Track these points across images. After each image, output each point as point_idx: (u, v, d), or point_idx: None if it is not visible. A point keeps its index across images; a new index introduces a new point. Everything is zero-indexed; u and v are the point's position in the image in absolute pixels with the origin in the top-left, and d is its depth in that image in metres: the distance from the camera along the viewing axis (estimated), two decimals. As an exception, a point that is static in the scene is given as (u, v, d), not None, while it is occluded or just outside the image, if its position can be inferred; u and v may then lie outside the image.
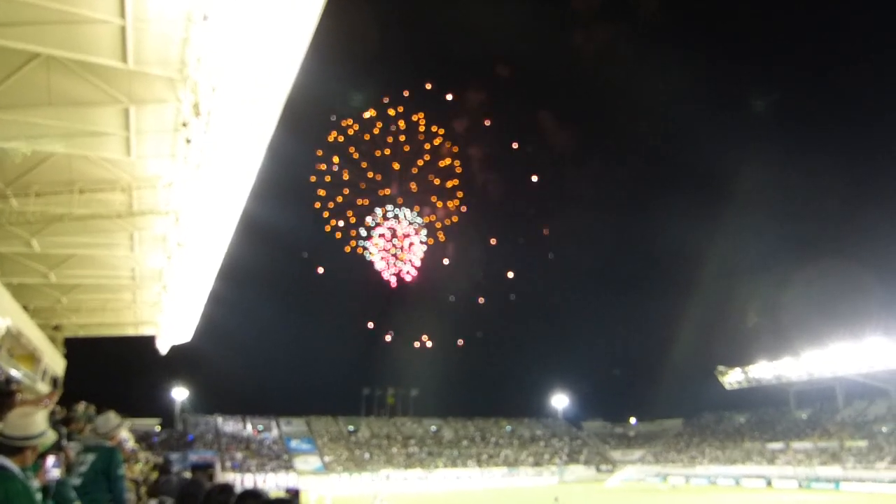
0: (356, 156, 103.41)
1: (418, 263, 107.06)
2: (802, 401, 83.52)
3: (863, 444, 66.90)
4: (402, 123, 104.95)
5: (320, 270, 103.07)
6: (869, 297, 77.10)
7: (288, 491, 14.12)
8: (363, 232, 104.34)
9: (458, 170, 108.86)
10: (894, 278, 77.43)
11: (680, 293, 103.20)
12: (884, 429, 68.45)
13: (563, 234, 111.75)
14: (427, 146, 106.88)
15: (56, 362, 30.97)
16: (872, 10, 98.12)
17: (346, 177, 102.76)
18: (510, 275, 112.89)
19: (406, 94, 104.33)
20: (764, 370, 77.12)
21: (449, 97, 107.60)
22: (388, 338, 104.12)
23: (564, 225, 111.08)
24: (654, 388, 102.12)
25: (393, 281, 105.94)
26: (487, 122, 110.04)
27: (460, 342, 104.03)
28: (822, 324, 73.91)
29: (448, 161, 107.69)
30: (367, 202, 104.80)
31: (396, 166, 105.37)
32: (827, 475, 63.52)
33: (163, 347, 38.80)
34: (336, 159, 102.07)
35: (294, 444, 79.87)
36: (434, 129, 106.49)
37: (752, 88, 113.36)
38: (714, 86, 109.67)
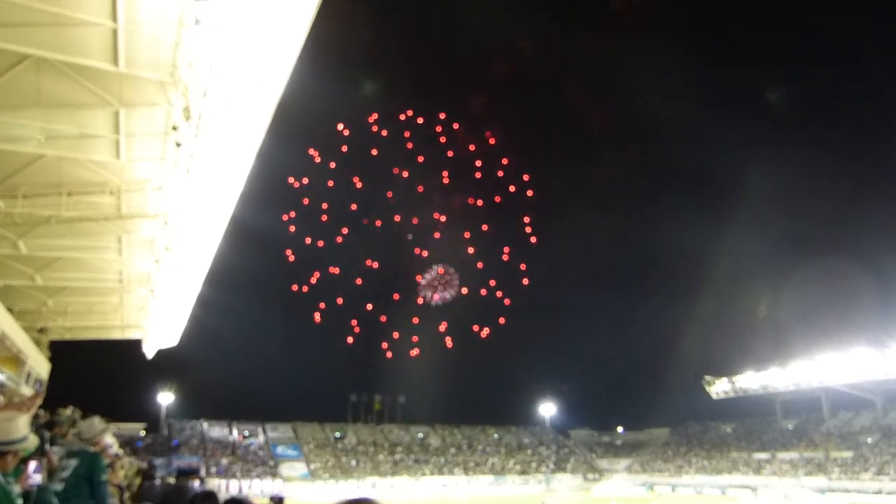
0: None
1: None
2: (789, 411, 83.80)
3: (848, 454, 67.18)
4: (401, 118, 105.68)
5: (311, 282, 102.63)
6: (855, 308, 77.70)
7: (272, 499, 13.88)
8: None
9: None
10: (881, 289, 77.73)
11: (667, 302, 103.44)
12: (869, 440, 68.77)
13: (550, 243, 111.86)
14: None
15: (40, 365, 30.73)
16: (873, 10, 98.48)
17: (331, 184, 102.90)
18: (497, 282, 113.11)
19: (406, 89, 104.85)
20: (750, 380, 77.37)
21: (446, 95, 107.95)
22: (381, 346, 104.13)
23: (552, 234, 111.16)
24: (641, 397, 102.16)
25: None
26: (483, 119, 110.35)
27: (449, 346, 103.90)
28: (808, 334, 74.35)
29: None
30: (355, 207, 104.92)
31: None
32: (812, 485, 63.70)
33: (149, 351, 38.60)
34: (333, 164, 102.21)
35: (280, 450, 79.42)
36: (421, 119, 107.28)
37: (754, 87, 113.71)
38: (713, 84, 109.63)
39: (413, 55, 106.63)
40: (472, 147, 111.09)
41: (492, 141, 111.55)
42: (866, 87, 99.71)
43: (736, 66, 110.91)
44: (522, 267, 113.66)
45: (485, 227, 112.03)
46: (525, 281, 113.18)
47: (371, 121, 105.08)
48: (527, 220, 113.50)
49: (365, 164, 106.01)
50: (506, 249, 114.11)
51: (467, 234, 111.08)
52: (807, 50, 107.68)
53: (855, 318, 74.50)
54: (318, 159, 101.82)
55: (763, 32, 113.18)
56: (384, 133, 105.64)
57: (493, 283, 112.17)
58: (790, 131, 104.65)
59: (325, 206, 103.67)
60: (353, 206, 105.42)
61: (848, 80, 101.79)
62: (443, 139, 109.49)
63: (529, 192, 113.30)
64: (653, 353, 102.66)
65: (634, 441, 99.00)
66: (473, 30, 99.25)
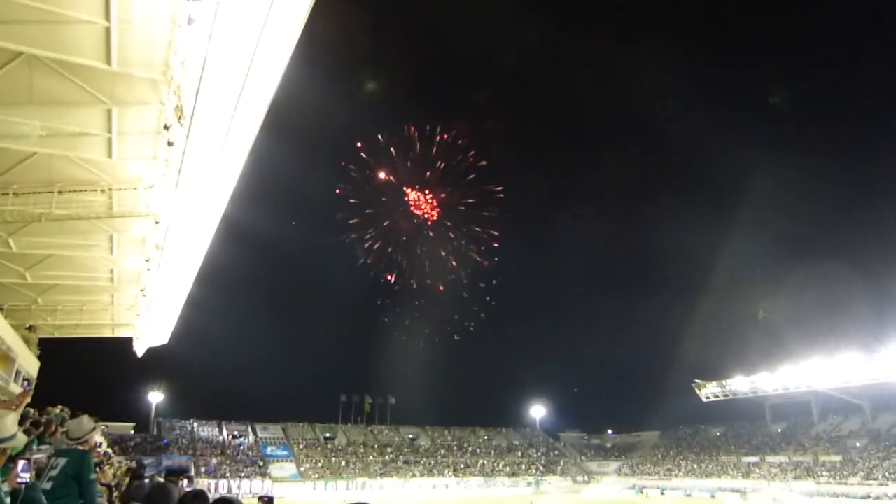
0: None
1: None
2: (778, 415, 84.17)
3: (837, 459, 67.49)
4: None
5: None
6: (845, 313, 78.10)
7: (262, 499, 13.98)
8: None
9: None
10: (870, 294, 78.21)
11: (659, 306, 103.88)
12: (857, 444, 69.11)
13: (545, 247, 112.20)
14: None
15: (30, 363, 30.55)
16: (873, 13, 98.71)
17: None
18: (491, 284, 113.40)
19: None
20: (740, 383, 77.58)
21: (446, 97, 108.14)
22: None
23: (549, 238, 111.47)
24: (631, 401, 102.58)
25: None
26: (483, 120, 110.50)
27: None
28: (798, 338, 74.69)
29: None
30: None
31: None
32: (801, 489, 63.93)
33: (139, 350, 38.48)
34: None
35: (270, 450, 79.22)
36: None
37: (753, 91, 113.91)
38: (713, 86, 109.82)
39: (411, 54, 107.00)
40: (472, 147, 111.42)
41: (491, 140, 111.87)
42: (865, 94, 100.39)
43: (736, 69, 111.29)
44: (518, 270, 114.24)
45: (478, 229, 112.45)
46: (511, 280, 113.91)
47: (369, 119, 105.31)
48: (523, 223, 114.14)
49: (361, 162, 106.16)
50: (503, 252, 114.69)
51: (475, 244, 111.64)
52: (806, 51, 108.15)
53: (844, 323, 75.02)
54: (312, 160, 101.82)
55: (763, 35, 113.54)
56: (381, 131, 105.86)
57: (485, 285, 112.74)
58: (788, 135, 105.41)
59: (320, 206, 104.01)
60: (350, 203, 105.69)
61: (847, 85, 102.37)
62: (442, 137, 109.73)
63: (522, 194, 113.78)
64: (644, 356, 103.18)
65: (624, 444, 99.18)
66: (474, 30, 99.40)
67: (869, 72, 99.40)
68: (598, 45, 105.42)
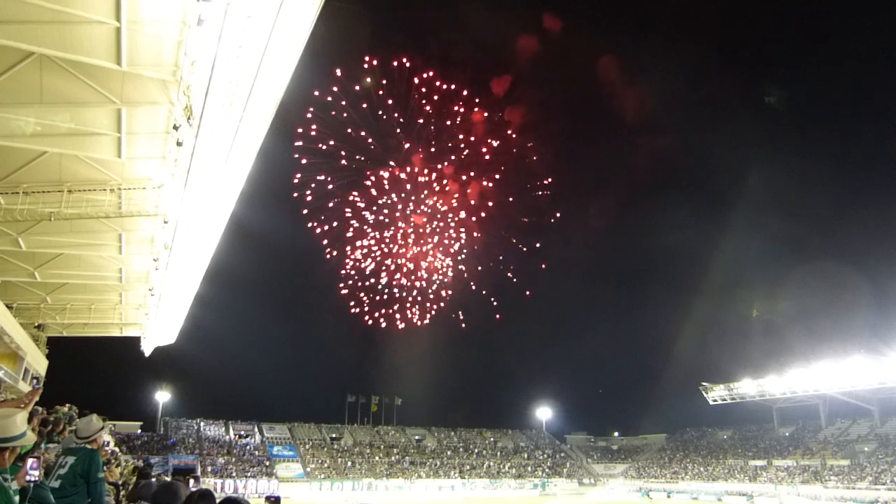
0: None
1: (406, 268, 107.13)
2: (786, 418, 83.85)
3: (844, 463, 67.18)
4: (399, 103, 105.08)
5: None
6: (852, 316, 77.81)
7: (269, 499, 13.92)
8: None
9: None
10: (878, 297, 77.82)
11: (666, 309, 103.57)
12: (866, 448, 68.78)
13: (551, 249, 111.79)
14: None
15: (38, 362, 30.72)
16: (871, 14, 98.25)
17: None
18: (496, 287, 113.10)
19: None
20: (748, 387, 77.35)
21: (448, 88, 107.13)
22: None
23: (552, 240, 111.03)
24: (638, 403, 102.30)
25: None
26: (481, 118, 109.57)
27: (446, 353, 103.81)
28: (806, 341, 74.44)
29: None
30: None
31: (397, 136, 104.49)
32: (808, 493, 63.67)
33: (147, 349, 38.63)
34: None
35: (276, 450, 79.32)
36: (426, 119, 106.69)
37: (754, 93, 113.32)
38: (714, 88, 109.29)
39: (412, 52, 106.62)
40: (475, 148, 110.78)
41: (493, 142, 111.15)
42: (865, 94, 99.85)
43: (736, 69, 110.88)
44: (520, 272, 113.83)
45: (481, 234, 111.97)
46: (522, 285, 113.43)
47: (372, 112, 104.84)
48: (528, 221, 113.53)
49: (365, 160, 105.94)
50: (505, 254, 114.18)
51: (474, 233, 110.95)
52: (806, 51, 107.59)
53: (852, 326, 74.73)
54: (318, 157, 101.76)
55: (762, 35, 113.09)
56: (385, 127, 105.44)
57: (490, 287, 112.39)
58: (791, 135, 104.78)
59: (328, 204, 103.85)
60: (354, 199, 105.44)
61: (847, 85, 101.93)
62: (444, 139, 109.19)
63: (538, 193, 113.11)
64: (650, 358, 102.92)
65: (630, 446, 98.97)
66: (471, 35, 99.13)
67: (869, 72, 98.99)
68: (597, 46, 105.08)
